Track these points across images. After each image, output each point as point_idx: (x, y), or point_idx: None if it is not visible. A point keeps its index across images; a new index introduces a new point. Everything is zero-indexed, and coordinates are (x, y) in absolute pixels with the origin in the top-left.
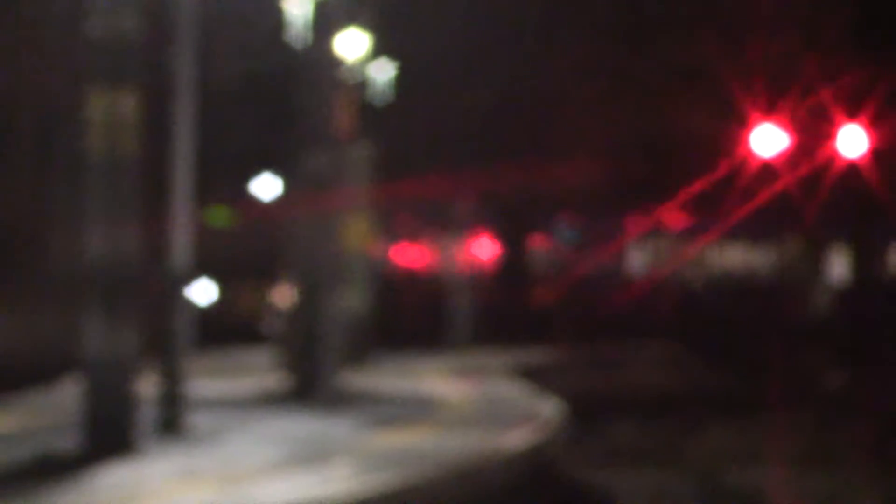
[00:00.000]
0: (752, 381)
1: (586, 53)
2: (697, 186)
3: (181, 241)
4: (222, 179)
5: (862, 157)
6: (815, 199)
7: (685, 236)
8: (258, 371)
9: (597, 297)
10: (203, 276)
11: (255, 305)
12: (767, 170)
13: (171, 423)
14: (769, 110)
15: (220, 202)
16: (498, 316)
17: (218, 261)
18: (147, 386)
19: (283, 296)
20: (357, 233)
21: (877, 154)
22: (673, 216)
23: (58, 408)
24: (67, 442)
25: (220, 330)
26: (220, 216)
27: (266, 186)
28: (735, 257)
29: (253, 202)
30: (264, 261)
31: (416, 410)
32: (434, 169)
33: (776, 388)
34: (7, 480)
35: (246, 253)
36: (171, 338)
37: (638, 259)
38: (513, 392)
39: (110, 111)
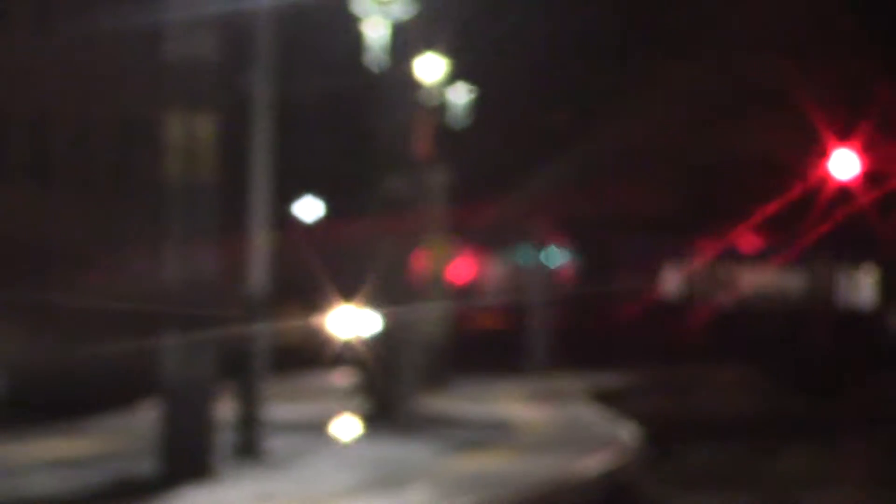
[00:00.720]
0: (826, 403)
1: (662, 74)
2: (771, 209)
3: (259, 265)
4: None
5: None
6: (890, 223)
7: (759, 259)
8: (335, 395)
9: (671, 320)
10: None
11: (306, 330)
12: (842, 193)
13: (249, 447)
14: (845, 134)
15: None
16: (574, 339)
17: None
18: (225, 410)
19: (334, 321)
20: (438, 256)
21: None
22: (746, 239)
23: (136, 432)
24: (145, 466)
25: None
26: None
27: (308, 208)
28: (807, 281)
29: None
30: (310, 284)
31: (494, 435)
32: (510, 192)
33: (851, 411)
34: (89, 497)
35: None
36: (248, 361)
37: (710, 282)
38: (589, 416)
39: (188, 134)
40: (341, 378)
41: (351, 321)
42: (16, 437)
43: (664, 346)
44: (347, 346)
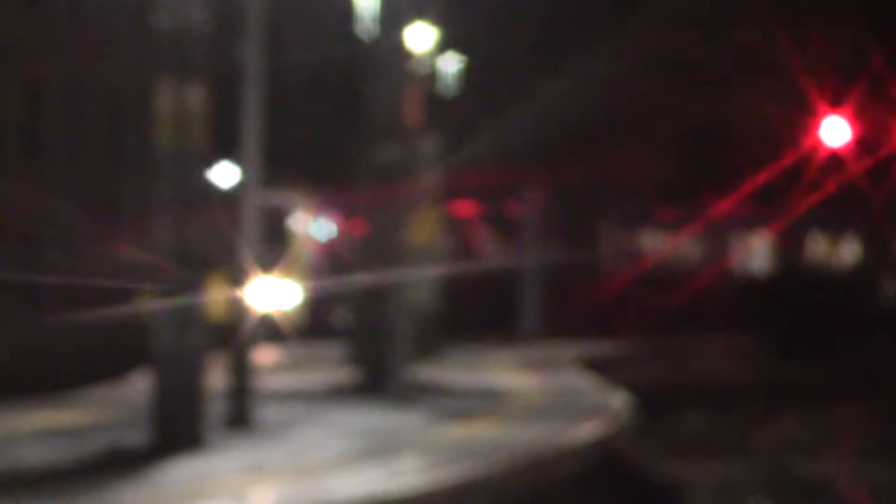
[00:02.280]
0: (822, 371)
1: (654, 42)
2: (763, 177)
3: (251, 234)
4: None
5: None
6: (881, 190)
7: (751, 227)
8: (327, 365)
9: (663, 288)
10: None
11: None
12: (835, 160)
13: (240, 416)
14: (837, 101)
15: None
16: (566, 308)
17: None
18: (216, 380)
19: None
20: (426, 225)
21: None
22: (739, 206)
23: (126, 403)
24: (136, 436)
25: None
26: None
27: (225, 174)
28: (804, 248)
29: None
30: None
31: (486, 403)
32: (501, 160)
33: (846, 379)
34: (78, 473)
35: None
36: (240, 329)
37: (704, 250)
38: (581, 384)
39: (178, 103)
40: (332, 348)
41: (271, 293)
42: (6, 409)
43: (656, 315)
44: (266, 319)
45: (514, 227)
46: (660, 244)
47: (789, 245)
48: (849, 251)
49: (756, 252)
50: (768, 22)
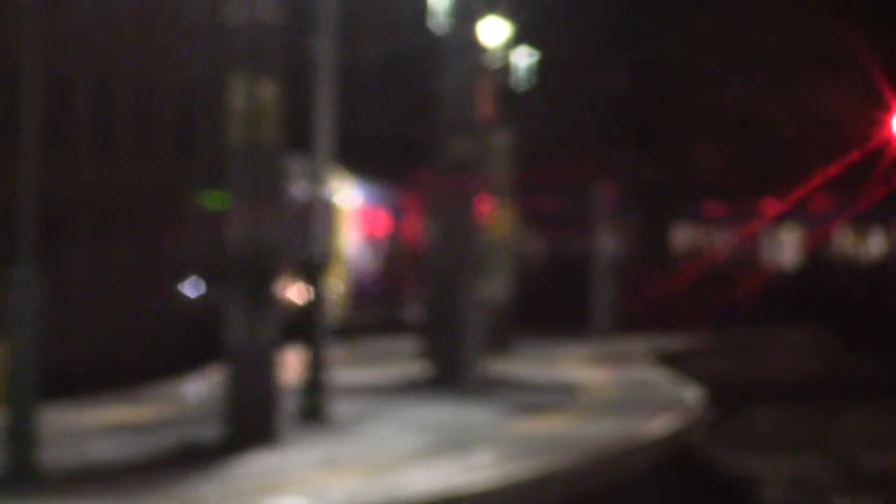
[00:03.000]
0: (891, 365)
1: (726, 38)
2: (833, 170)
3: (323, 229)
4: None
5: None
6: None
7: (822, 220)
8: (400, 359)
9: (732, 282)
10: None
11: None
12: None
13: (314, 411)
14: None
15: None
16: (637, 302)
17: None
18: (290, 374)
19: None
20: (500, 219)
21: None
22: (808, 202)
23: (202, 397)
24: (209, 431)
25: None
26: (216, 200)
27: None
28: (877, 242)
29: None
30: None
31: (558, 397)
32: (573, 154)
33: None
34: (151, 468)
35: None
36: (313, 325)
37: (776, 244)
38: (653, 378)
39: (251, 98)
40: (407, 342)
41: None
42: (77, 404)
43: (726, 309)
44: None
45: (586, 222)
46: (729, 239)
47: (856, 240)
48: None
49: (824, 247)
50: (838, 16)
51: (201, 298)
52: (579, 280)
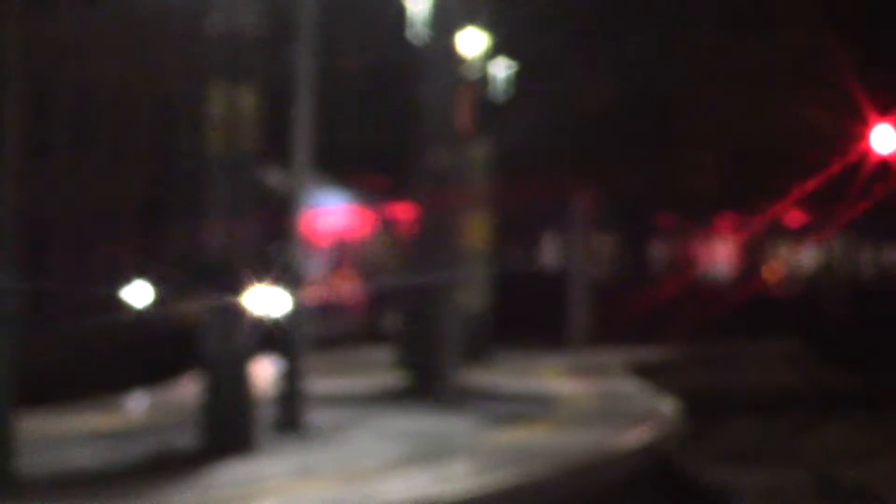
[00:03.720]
0: (871, 378)
1: (705, 49)
2: (814, 184)
3: (298, 238)
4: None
5: None
6: None
7: (799, 235)
8: (378, 369)
9: (709, 295)
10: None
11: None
12: (885, 167)
13: (290, 420)
14: (886, 109)
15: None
16: (614, 314)
17: None
18: (267, 384)
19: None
20: (477, 231)
21: None
22: (790, 214)
23: (172, 406)
24: (187, 439)
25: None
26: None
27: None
28: (856, 256)
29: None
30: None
31: (535, 408)
32: (552, 167)
33: (893, 385)
34: (128, 475)
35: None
36: (290, 335)
37: (751, 258)
38: (630, 390)
39: (230, 107)
40: (384, 352)
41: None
42: (53, 411)
43: (703, 321)
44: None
45: (564, 233)
46: (706, 252)
47: (834, 253)
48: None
49: (802, 260)
50: (819, 31)
51: (157, 308)
52: (557, 292)
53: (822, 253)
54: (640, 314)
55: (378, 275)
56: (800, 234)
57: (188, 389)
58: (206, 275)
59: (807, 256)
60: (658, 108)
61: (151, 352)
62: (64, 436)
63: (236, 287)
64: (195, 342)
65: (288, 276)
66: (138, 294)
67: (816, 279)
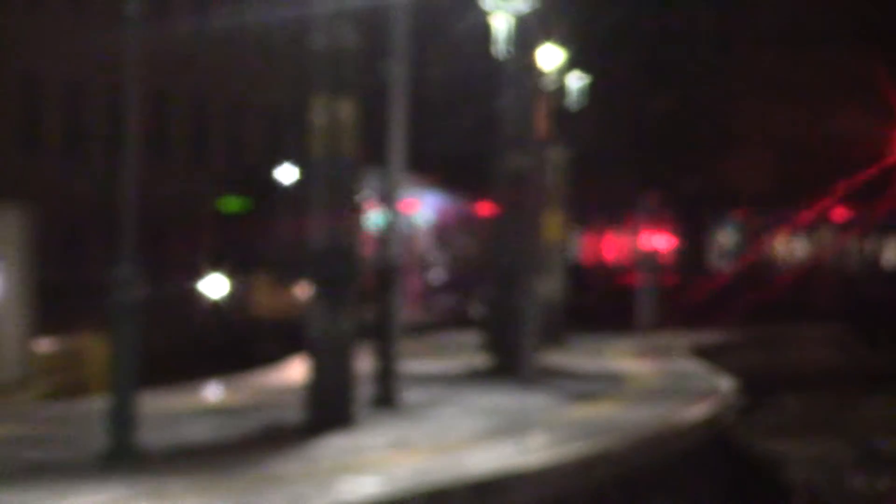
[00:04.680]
0: None
1: (757, 62)
2: (854, 183)
3: (396, 234)
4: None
5: None
6: None
7: (841, 229)
8: (466, 351)
9: (763, 283)
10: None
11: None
12: None
13: (386, 397)
14: None
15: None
16: (678, 301)
17: None
18: (365, 365)
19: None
20: (553, 226)
21: None
22: (832, 210)
23: (278, 386)
24: (292, 415)
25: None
26: (233, 204)
27: (286, 173)
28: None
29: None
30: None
31: (607, 386)
32: (621, 169)
33: None
34: (239, 447)
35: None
36: (386, 320)
37: (800, 249)
38: (691, 369)
39: (331, 116)
40: (471, 336)
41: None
42: (171, 390)
43: (758, 307)
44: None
45: (634, 229)
46: (761, 244)
47: (874, 246)
48: None
49: (845, 252)
50: (857, 46)
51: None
52: (625, 281)
53: (856, 243)
54: (699, 301)
55: (464, 266)
56: (842, 229)
57: (286, 373)
58: (313, 266)
59: (845, 247)
60: (714, 117)
61: (234, 340)
62: (178, 413)
63: (339, 278)
64: (273, 332)
65: (384, 267)
66: (215, 287)
67: (857, 269)
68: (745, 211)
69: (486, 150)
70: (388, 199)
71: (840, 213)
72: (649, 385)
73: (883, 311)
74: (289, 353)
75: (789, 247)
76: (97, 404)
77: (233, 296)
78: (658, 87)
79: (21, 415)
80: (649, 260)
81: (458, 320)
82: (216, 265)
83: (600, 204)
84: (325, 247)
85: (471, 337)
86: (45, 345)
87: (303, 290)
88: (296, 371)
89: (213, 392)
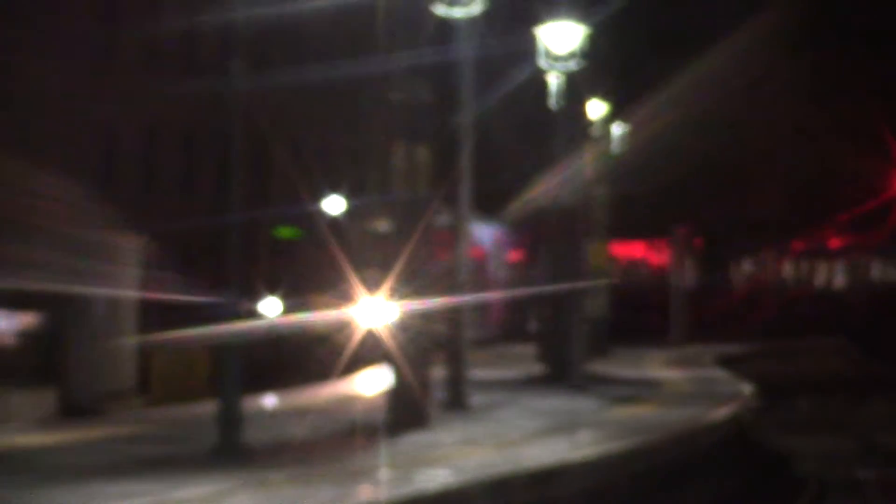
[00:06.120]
0: None
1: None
2: (855, 214)
3: (464, 258)
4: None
5: None
6: None
7: (844, 254)
8: (523, 361)
9: (779, 301)
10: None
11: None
12: None
13: (456, 400)
14: None
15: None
16: (705, 318)
17: None
18: (439, 372)
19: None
20: (599, 253)
21: None
22: (836, 238)
23: (354, 392)
24: (374, 416)
25: None
26: (286, 232)
27: (334, 204)
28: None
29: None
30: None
31: (644, 390)
32: (657, 205)
33: None
34: (329, 443)
35: None
36: (457, 333)
37: (810, 271)
38: (716, 376)
39: (408, 159)
40: (528, 348)
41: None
42: (272, 392)
43: (773, 322)
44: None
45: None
46: (776, 266)
47: (871, 268)
48: None
49: (850, 272)
50: (863, 96)
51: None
52: (661, 301)
53: (851, 268)
54: (724, 318)
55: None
56: (845, 254)
57: (355, 383)
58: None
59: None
60: (736, 160)
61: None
62: (280, 412)
63: (416, 296)
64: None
65: (456, 289)
66: (271, 307)
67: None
68: (760, 239)
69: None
70: (457, 230)
71: (839, 241)
72: (681, 390)
73: (877, 325)
74: (345, 366)
75: (798, 270)
76: (205, 408)
77: (287, 315)
78: (689, 134)
79: (138, 417)
80: (681, 282)
81: (517, 334)
82: (272, 287)
83: (637, 234)
84: (406, 271)
85: (528, 349)
86: (160, 356)
87: (353, 308)
88: (363, 380)
89: (301, 397)
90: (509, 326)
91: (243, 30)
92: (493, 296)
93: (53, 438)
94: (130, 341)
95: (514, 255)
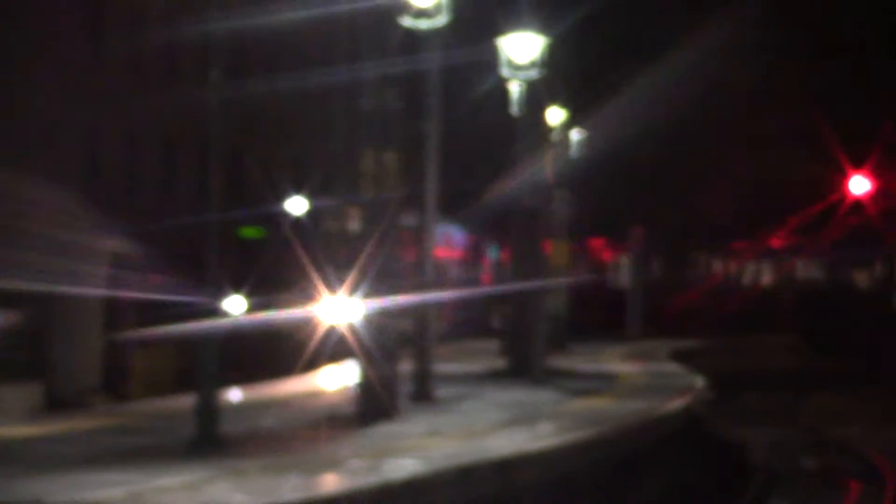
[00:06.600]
0: (851, 362)
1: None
2: (804, 217)
3: (429, 257)
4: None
5: None
6: (893, 228)
7: (795, 255)
8: (486, 356)
9: (730, 300)
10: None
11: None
12: (857, 205)
13: (422, 393)
14: (860, 162)
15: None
16: (660, 314)
17: None
18: (405, 366)
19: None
20: (558, 253)
21: None
22: (785, 239)
23: (322, 385)
24: (344, 408)
25: None
26: (250, 232)
27: (298, 204)
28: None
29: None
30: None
31: (602, 384)
32: (615, 207)
33: (868, 367)
34: (302, 433)
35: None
36: (422, 328)
37: (760, 271)
38: (671, 370)
39: (377, 164)
40: (491, 343)
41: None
42: (245, 385)
43: (725, 319)
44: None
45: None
46: (728, 267)
47: (822, 268)
48: (867, 274)
49: (798, 273)
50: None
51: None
52: (617, 299)
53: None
54: (678, 315)
55: (486, 286)
56: (795, 254)
57: (328, 374)
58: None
59: (799, 271)
60: (692, 164)
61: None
62: (253, 403)
63: (383, 294)
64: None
65: (422, 287)
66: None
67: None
68: (712, 239)
69: (503, 190)
70: (423, 230)
71: (788, 242)
72: (637, 383)
73: (828, 322)
74: (308, 362)
75: (748, 269)
76: (183, 401)
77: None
78: (646, 140)
79: (120, 410)
80: (637, 280)
81: (481, 330)
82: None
83: (596, 234)
84: (374, 269)
85: (491, 344)
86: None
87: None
88: (328, 376)
89: (268, 392)
90: (473, 323)
91: (221, 41)
92: (457, 294)
93: (39, 430)
94: (112, 338)
95: (477, 255)
